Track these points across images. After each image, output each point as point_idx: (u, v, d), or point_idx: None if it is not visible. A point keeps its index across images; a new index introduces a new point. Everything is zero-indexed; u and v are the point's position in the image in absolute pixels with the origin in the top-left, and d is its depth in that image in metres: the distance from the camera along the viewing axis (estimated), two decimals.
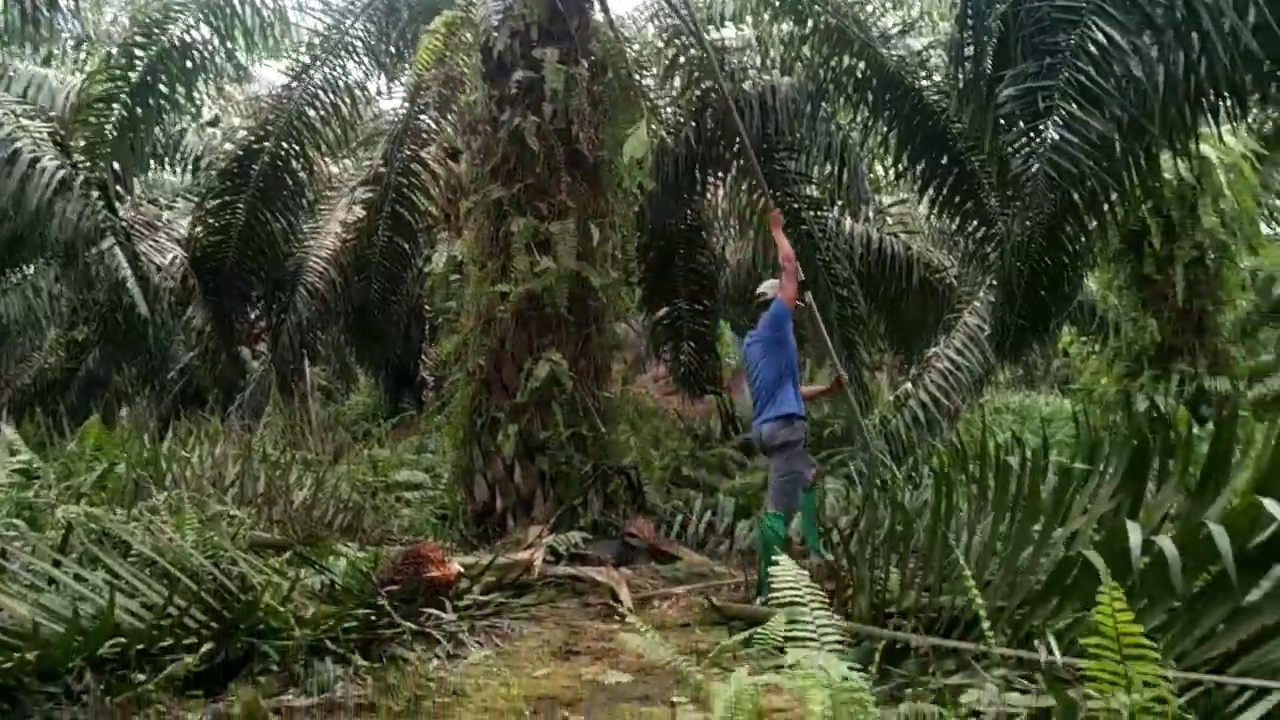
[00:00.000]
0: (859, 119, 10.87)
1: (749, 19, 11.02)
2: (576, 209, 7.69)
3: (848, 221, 14.13)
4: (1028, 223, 7.49)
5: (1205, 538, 3.14)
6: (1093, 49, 5.35)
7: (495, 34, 7.79)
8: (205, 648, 4.08)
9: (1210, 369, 12.78)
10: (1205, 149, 11.32)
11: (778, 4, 10.55)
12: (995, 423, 16.02)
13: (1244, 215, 13.47)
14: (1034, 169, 5.62)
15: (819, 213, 11.60)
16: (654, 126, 10.90)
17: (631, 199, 8.22)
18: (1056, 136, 5.32)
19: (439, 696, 4.05)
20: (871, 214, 14.92)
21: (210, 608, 4.27)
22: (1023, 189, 6.24)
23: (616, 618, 5.66)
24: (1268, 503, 3.07)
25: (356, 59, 10.92)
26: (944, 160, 9.48)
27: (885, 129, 10.39)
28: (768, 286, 6.57)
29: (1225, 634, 3.15)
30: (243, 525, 5.86)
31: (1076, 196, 6.79)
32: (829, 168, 11.65)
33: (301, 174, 11.39)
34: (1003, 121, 6.06)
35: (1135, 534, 3.31)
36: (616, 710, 3.94)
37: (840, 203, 13.65)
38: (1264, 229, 15.93)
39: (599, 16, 8.33)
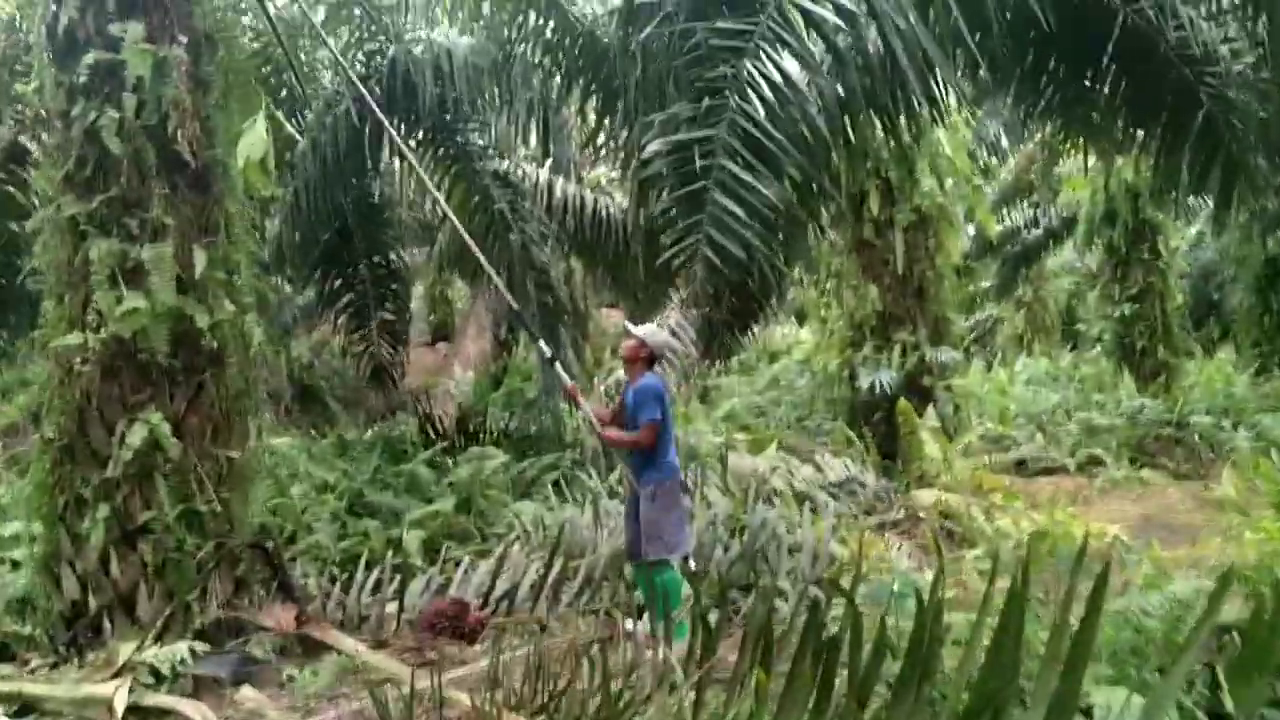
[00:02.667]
0: (556, 83, 9.72)
1: None
2: (177, 226, 6.14)
3: (560, 184, 13.10)
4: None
5: None
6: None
7: (61, 5, 6.04)
8: None
9: (932, 338, 12.44)
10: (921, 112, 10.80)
11: None
12: (719, 401, 15.46)
13: (961, 174, 13.17)
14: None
15: (510, 190, 10.38)
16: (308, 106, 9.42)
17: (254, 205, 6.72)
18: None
19: None
20: (584, 176, 13.92)
21: None
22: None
23: None
24: None
25: None
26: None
27: (580, 95, 9.29)
28: (644, 333, 5.88)
29: None
30: None
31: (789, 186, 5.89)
32: (531, 132, 10.50)
33: None
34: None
35: None
36: None
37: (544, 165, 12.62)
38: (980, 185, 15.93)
39: None
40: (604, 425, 6.20)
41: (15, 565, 7.13)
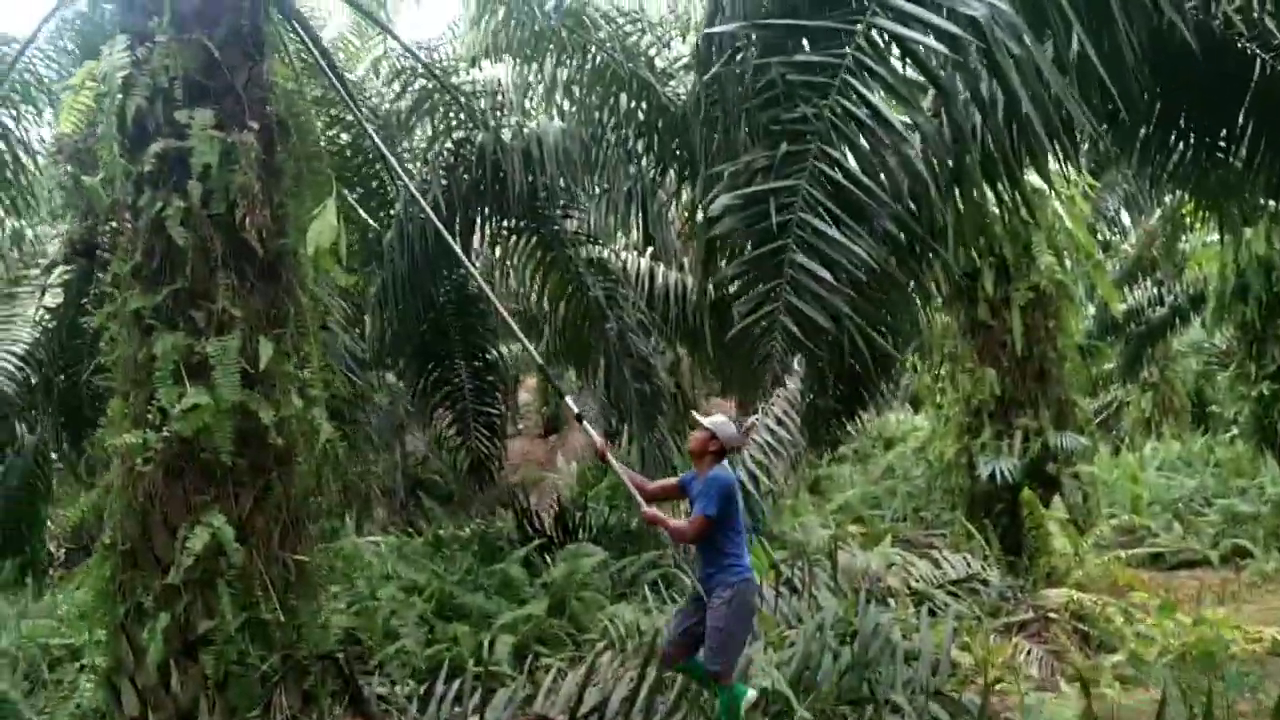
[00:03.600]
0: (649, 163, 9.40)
1: (507, 59, 9.40)
2: (245, 318, 5.85)
3: (660, 271, 12.76)
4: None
5: None
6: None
7: (129, 93, 5.88)
8: None
9: (1055, 422, 11.57)
10: (1035, 180, 10.11)
11: (541, 40, 8.98)
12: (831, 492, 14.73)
13: (1082, 249, 12.39)
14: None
15: (606, 277, 10.02)
16: (405, 188, 9.25)
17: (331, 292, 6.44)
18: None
19: None
20: (685, 263, 13.59)
21: None
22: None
23: None
24: None
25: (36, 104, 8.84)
26: None
27: (676, 178, 8.94)
28: (713, 425, 5.34)
29: None
30: None
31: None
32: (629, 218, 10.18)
33: None
34: None
35: None
36: None
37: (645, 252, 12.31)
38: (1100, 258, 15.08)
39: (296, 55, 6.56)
40: (646, 498, 5.66)
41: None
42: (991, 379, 11.54)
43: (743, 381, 11.04)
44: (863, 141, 3.29)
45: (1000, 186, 4.48)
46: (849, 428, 9.70)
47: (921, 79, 3.41)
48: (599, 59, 8.96)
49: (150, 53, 5.88)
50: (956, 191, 4.06)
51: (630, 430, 10.21)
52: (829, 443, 9.34)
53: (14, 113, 8.39)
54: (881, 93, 3.31)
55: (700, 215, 5.92)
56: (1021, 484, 10.64)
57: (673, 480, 5.86)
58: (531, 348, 7.29)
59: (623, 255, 11.92)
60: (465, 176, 8.91)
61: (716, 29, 3.70)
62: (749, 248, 3.59)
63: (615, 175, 9.41)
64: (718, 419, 5.37)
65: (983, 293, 11.66)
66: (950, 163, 3.61)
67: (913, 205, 3.70)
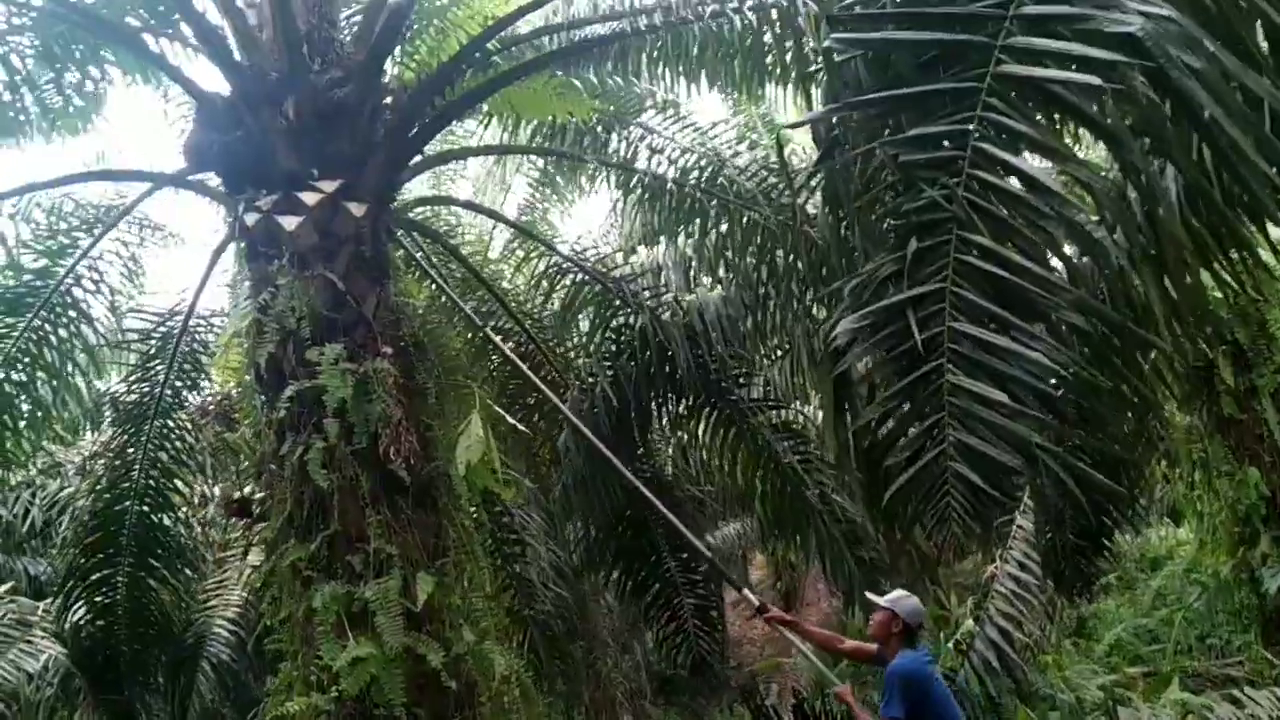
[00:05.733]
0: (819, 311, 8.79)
1: (662, 240, 9.10)
2: (402, 554, 5.45)
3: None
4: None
5: None
6: None
7: (259, 342, 5.73)
8: None
9: None
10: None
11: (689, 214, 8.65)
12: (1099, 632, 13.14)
13: None
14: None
15: (799, 441, 9.31)
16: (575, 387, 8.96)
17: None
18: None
19: None
20: None
21: None
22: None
23: None
24: None
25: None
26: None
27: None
28: (892, 601, 5.07)
29: None
30: None
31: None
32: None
33: (181, 520, 9.42)
34: None
35: None
36: None
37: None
38: None
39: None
40: (839, 655, 5.10)
41: None
42: (1256, 479, 10.13)
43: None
44: (1016, 217, 2.57)
45: (1215, 252, 3.62)
46: (1098, 560, 8.53)
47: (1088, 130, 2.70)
48: (745, 219, 8.52)
49: (274, 296, 5.73)
50: (1161, 263, 3.26)
51: (855, 603, 9.29)
52: (1080, 581, 8.20)
53: (186, 380, 8.52)
54: (1029, 155, 2.62)
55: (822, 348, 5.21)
56: None
57: (871, 646, 5.20)
58: (692, 535, 6.75)
59: (815, 412, 11.22)
60: (632, 363, 8.50)
61: (799, 120, 3.12)
62: (892, 379, 2.84)
63: (791, 333, 8.85)
64: (897, 594, 4.80)
65: (1223, 385, 10.37)
66: (1143, 225, 2.86)
67: (1102, 286, 2.96)
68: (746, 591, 6.37)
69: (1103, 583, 15.05)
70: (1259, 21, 2.39)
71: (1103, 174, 2.62)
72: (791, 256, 8.48)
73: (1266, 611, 10.03)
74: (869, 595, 5.09)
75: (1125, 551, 15.37)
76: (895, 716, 4.69)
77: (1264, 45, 2.49)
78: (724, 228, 8.68)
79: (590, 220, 25.49)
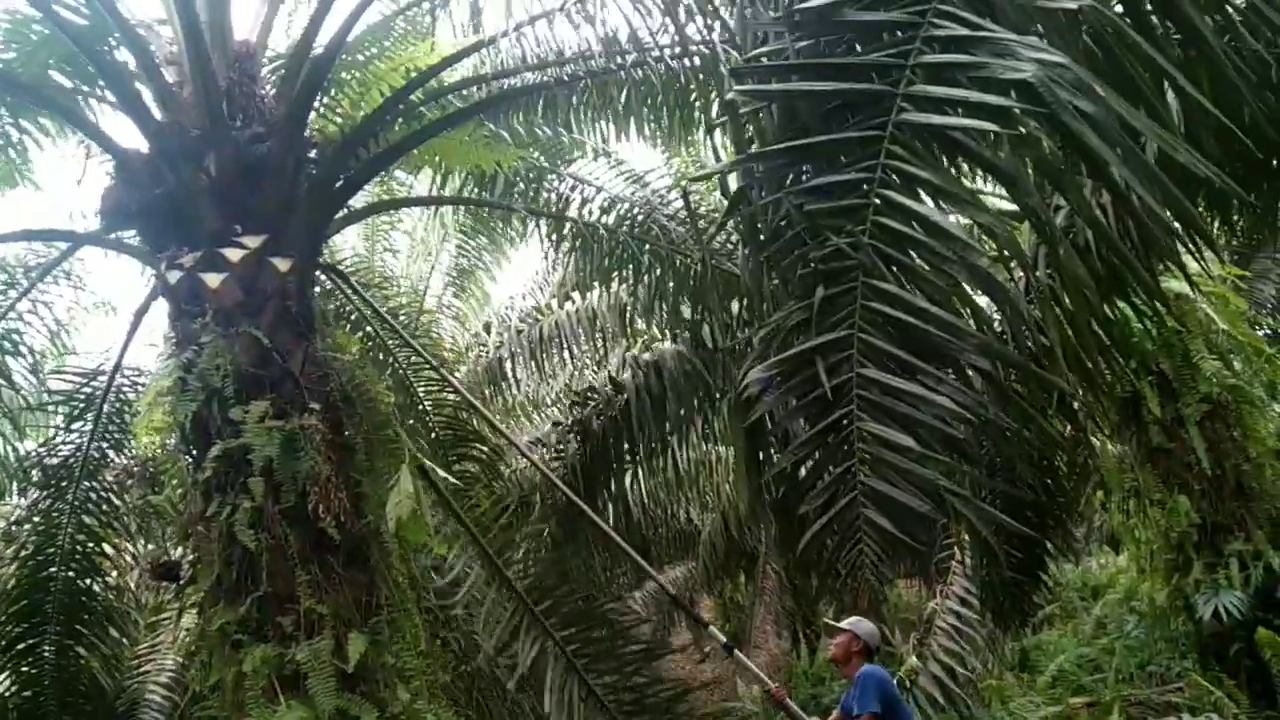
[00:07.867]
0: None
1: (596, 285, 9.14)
2: (334, 614, 5.35)
3: None
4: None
5: None
6: None
7: (182, 401, 5.63)
8: None
9: (1273, 540, 10.10)
10: (1172, 284, 9.08)
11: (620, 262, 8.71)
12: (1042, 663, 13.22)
13: (1245, 348, 11.14)
14: None
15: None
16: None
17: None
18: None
19: None
20: None
21: None
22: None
23: None
24: None
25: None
26: None
27: None
28: (851, 625, 5.44)
29: None
30: None
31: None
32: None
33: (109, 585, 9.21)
34: None
35: None
36: None
37: None
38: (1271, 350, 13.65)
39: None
40: None
41: None
42: (1186, 507, 10.24)
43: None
44: (921, 263, 2.60)
45: (1127, 288, 3.69)
46: (1035, 593, 8.58)
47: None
48: (678, 263, 8.56)
49: (198, 354, 5.64)
50: (1065, 301, 3.32)
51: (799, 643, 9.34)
52: (1017, 615, 8.23)
53: (111, 441, 8.34)
54: (931, 202, 2.65)
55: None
56: (1254, 619, 9.21)
57: (837, 711, 5.29)
58: (661, 580, 6.82)
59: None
60: (595, 419, 8.54)
61: (704, 172, 3.15)
62: (801, 427, 2.84)
63: (731, 378, 8.92)
64: (854, 619, 5.07)
65: (1150, 415, 10.51)
66: (1041, 267, 2.92)
67: (1023, 328, 2.99)
68: (713, 629, 6.82)
69: (1045, 613, 15.16)
70: (1146, 71, 2.45)
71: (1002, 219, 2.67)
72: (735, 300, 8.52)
73: (1203, 638, 10.12)
74: (828, 621, 5.40)
75: (1068, 581, 15.50)
76: (875, 710, 4.86)
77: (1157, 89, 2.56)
78: (658, 273, 8.71)
79: (527, 267, 25.53)
